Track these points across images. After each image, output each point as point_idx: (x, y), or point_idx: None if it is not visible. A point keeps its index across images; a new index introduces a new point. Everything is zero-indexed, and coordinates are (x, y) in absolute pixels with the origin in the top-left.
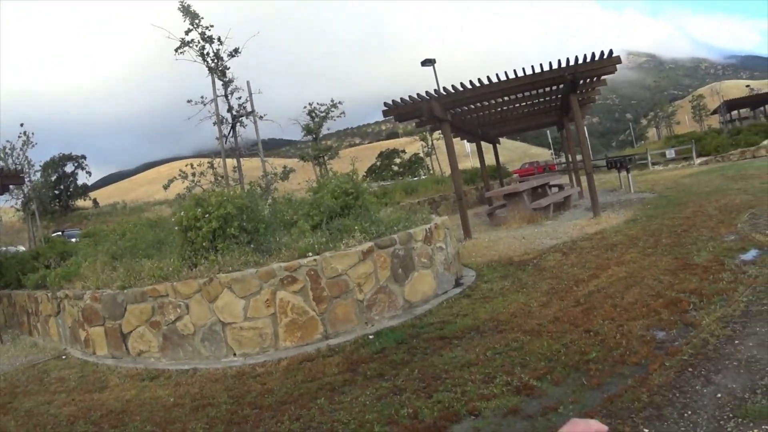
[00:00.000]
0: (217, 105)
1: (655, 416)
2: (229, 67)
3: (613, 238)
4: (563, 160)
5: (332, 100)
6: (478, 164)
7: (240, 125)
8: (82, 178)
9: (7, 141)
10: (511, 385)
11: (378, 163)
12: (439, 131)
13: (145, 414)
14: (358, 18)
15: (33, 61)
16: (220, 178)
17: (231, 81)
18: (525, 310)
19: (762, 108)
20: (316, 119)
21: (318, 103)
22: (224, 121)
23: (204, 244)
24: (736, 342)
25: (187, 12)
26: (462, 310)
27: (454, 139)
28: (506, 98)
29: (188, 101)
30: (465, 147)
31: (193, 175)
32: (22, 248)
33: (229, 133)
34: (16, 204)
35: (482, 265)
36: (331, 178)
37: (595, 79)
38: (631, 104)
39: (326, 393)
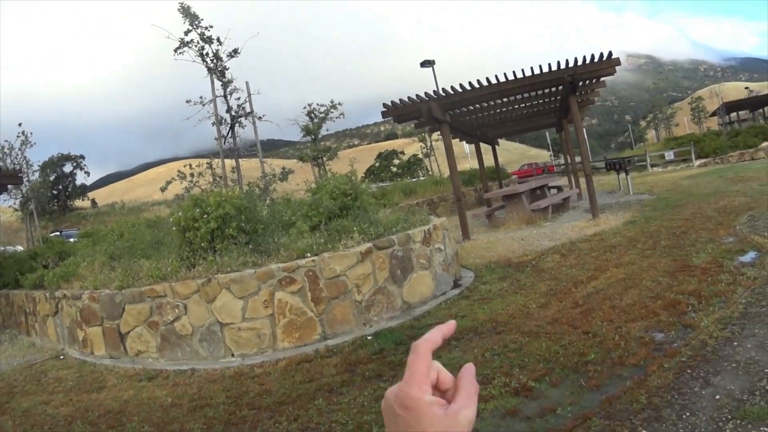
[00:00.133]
0: (216, 105)
1: (653, 418)
2: (228, 68)
3: (611, 239)
4: (562, 161)
5: (332, 101)
6: (476, 165)
7: (239, 126)
8: (80, 178)
9: (6, 141)
10: (509, 387)
11: (377, 164)
12: (438, 132)
13: (142, 414)
14: (358, 19)
15: (33, 61)
16: (218, 179)
17: (230, 81)
18: (523, 312)
19: (761, 110)
20: (315, 120)
21: (317, 104)
22: (223, 121)
23: (202, 244)
24: (735, 344)
25: (187, 13)
26: (460, 312)
27: (453, 141)
28: (505, 99)
29: (187, 101)
30: (464, 148)
31: (192, 175)
32: (20, 248)
33: (227, 134)
34: (15, 204)
35: (481, 266)
36: (330, 178)
37: (594, 80)
38: (630, 106)
39: (324, 394)
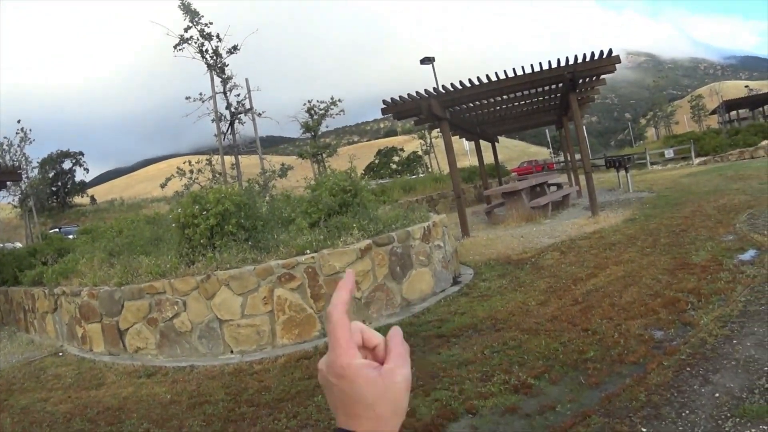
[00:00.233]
0: (215, 102)
1: (653, 415)
2: (228, 64)
3: (611, 237)
4: (562, 158)
5: (331, 98)
6: (476, 162)
7: (238, 122)
8: (79, 175)
9: (5, 137)
10: (508, 384)
11: (376, 161)
12: (438, 129)
13: (141, 411)
14: (358, 19)
15: (33, 61)
16: (218, 175)
17: (230, 78)
18: (523, 309)
19: (761, 108)
20: (315, 117)
21: (317, 101)
22: (223, 118)
23: (202, 241)
24: (734, 342)
25: (188, 10)
26: (460, 309)
27: (453, 138)
28: (505, 97)
29: (187, 98)
30: (464, 145)
31: (191, 172)
32: (18, 245)
33: (227, 130)
34: (14, 201)
35: (480, 263)
36: (330, 175)
37: (594, 78)
38: (630, 104)
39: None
